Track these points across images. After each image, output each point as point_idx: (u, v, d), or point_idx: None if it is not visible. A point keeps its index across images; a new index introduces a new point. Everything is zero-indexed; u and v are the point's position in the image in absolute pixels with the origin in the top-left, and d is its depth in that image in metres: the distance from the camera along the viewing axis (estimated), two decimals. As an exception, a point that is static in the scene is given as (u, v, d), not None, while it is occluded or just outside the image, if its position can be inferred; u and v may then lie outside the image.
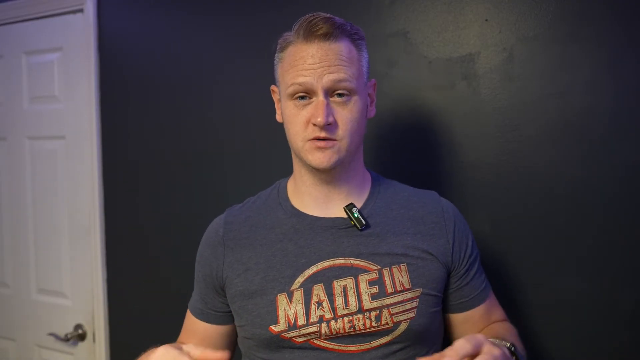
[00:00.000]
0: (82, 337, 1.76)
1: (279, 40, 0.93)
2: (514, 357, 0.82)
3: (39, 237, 1.85)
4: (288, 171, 1.04)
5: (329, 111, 0.86)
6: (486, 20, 1.17)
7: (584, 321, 1.12)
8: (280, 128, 1.37)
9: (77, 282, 1.78)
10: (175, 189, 1.57)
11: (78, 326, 1.77)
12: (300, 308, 0.88)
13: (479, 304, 0.97)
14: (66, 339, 1.75)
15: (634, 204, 1.07)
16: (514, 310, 1.17)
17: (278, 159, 1.38)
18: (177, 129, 1.56)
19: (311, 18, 0.87)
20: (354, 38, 0.90)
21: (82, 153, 1.72)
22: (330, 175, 0.93)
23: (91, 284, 1.74)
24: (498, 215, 1.18)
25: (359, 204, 0.95)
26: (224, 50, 1.46)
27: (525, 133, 1.14)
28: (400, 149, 1.26)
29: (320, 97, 0.86)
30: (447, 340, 1.02)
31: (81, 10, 1.69)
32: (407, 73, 1.24)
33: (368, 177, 1.00)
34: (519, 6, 1.14)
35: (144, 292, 1.65)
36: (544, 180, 1.13)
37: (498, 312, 1.01)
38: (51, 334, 1.79)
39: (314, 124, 0.86)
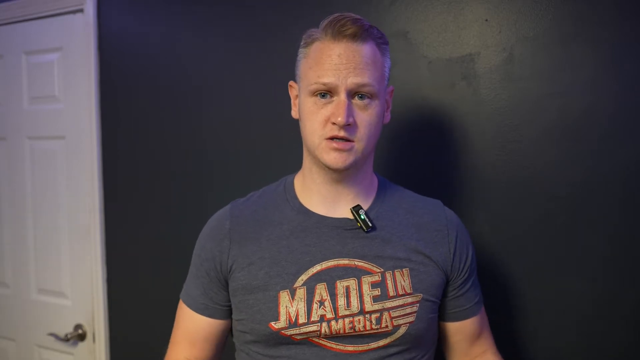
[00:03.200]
0: (82, 337, 1.76)
1: (304, 36, 0.92)
2: None
3: (39, 237, 1.85)
4: (289, 171, 1.04)
5: (349, 111, 0.85)
6: (486, 20, 1.17)
7: (584, 322, 1.12)
8: (282, 128, 1.37)
9: (77, 282, 1.78)
10: (176, 188, 1.57)
11: (78, 326, 1.77)
12: (302, 306, 0.88)
13: (472, 316, 0.98)
14: (66, 339, 1.75)
15: (634, 204, 1.07)
16: (513, 311, 1.17)
17: (280, 159, 1.38)
18: (177, 128, 1.56)
19: (340, 17, 0.87)
20: (379, 42, 0.90)
21: (82, 153, 1.72)
22: (341, 175, 0.93)
23: (91, 284, 1.74)
24: (498, 215, 1.18)
25: (365, 206, 0.95)
26: (225, 50, 1.46)
27: (525, 133, 1.14)
28: (400, 148, 1.26)
29: (342, 97, 0.86)
30: (437, 349, 1.02)
31: (81, 10, 1.69)
32: (407, 73, 1.24)
33: (375, 180, 1.00)
34: (519, 6, 1.14)
35: (144, 292, 1.65)
36: (543, 180, 1.13)
37: (487, 333, 1.03)
38: (51, 334, 1.79)
39: (334, 123, 0.86)
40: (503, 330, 1.11)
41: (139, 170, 1.64)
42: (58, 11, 1.73)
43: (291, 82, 0.98)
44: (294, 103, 0.97)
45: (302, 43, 0.93)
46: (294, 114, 0.97)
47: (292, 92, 0.98)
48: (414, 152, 1.25)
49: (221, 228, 0.97)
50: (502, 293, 1.16)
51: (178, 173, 1.57)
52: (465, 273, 0.96)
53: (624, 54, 1.06)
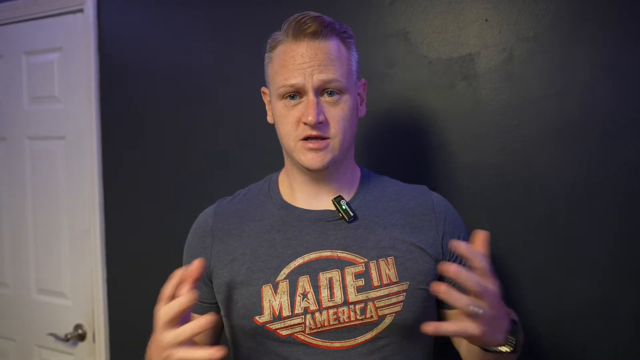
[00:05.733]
0: (82, 337, 1.76)
1: (269, 41, 0.93)
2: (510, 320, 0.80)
3: (39, 237, 1.85)
4: (288, 171, 1.04)
5: (319, 110, 0.86)
6: (486, 20, 1.17)
7: (584, 321, 1.12)
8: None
9: (77, 282, 1.78)
10: (175, 188, 1.57)
11: (78, 326, 1.77)
12: (285, 299, 0.88)
13: None
14: (66, 339, 1.75)
15: (634, 204, 1.07)
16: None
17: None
18: (177, 128, 1.56)
19: (300, 17, 0.88)
20: (343, 37, 0.90)
21: (82, 153, 1.73)
22: (321, 175, 0.93)
23: (91, 284, 1.74)
24: (498, 215, 1.18)
25: (348, 198, 0.95)
26: (224, 50, 1.46)
27: (525, 133, 1.14)
28: (400, 149, 1.26)
29: (311, 96, 0.86)
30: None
31: (81, 10, 1.69)
32: (407, 73, 1.24)
33: (358, 172, 1.00)
34: (519, 6, 1.14)
35: (144, 292, 1.65)
36: (543, 180, 1.14)
37: None
38: (51, 334, 1.79)
39: (305, 123, 0.86)
40: (503, 330, 1.11)
41: (139, 170, 1.64)
42: (58, 11, 1.73)
43: (263, 88, 0.98)
44: (268, 108, 0.98)
45: (267, 48, 0.93)
46: (270, 119, 0.97)
47: (265, 98, 0.98)
48: (413, 152, 1.25)
49: (204, 225, 0.99)
50: (501, 293, 1.16)
51: (178, 173, 1.57)
52: (457, 255, 0.93)
53: (624, 54, 1.06)
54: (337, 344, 0.87)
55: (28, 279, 1.88)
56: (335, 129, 0.88)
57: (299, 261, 0.90)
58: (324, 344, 0.87)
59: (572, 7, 1.10)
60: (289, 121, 0.88)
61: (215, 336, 1.03)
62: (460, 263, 0.94)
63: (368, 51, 1.25)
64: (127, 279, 1.69)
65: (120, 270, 1.70)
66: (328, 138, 0.88)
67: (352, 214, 0.92)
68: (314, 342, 0.88)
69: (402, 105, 1.25)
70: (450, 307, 0.96)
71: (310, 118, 0.85)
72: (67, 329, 1.79)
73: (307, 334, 0.87)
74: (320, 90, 0.87)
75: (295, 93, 0.87)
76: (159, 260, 1.62)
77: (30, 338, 1.88)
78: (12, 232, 1.91)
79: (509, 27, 1.15)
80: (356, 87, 0.93)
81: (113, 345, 1.72)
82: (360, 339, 0.87)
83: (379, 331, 0.87)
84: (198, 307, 0.99)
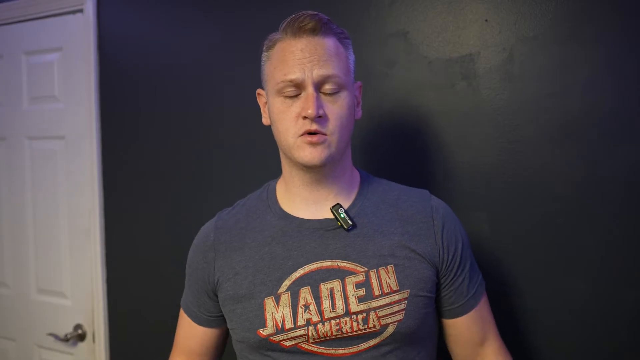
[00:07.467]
0: (81, 337, 1.76)
1: (265, 42, 0.93)
2: None
3: (39, 237, 1.85)
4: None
5: (319, 103, 0.85)
6: (486, 20, 1.17)
7: (584, 321, 1.12)
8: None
9: (77, 282, 1.78)
10: (175, 189, 1.57)
11: (78, 326, 1.77)
12: (287, 311, 0.88)
13: (467, 312, 0.95)
14: (66, 339, 1.75)
15: (634, 204, 1.07)
16: (512, 311, 1.17)
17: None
18: (177, 128, 1.56)
19: (298, 15, 0.88)
20: (340, 37, 0.91)
21: (82, 153, 1.73)
22: (320, 174, 0.92)
23: (91, 284, 1.74)
24: (498, 215, 1.18)
25: (347, 204, 0.94)
26: (225, 51, 1.46)
27: (525, 133, 1.14)
28: (400, 149, 1.26)
29: (310, 90, 0.86)
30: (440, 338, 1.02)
31: (81, 11, 1.69)
32: (407, 73, 1.24)
33: (357, 176, 0.99)
34: (519, 6, 1.14)
35: (144, 292, 1.65)
36: (543, 180, 1.13)
37: (488, 325, 0.98)
38: (51, 334, 1.79)
39: (305, 117, 0.85)
40: (502, 330, 1.11)
41: (139, 171, 1.64)
42: (58, 11, 1.73)
43: (259, 90, 0.98)
44: (263, 110, 0.97)
45: (264, 48, 0.93)
46: (265, 121, 0.97)
47: (261, 100, 0.98)
48: (413, 152, 1.25)
49: (206, 240, 0.99)
50: (501, 293, 1.16)
51: (178, 173, 1.57)
52: (456, 265, 0.93)
53: (624, 54, 1.06)
54: (340, 351, 0.87)
55: (28, 279, 1.88)
56: (333, 126, 0.87)
57: (300, 272, 0.90)
58: (328, 351, 0.87)
59: (572, 7, 1.10)
60: (287, 117, 0.88)
61: (221, 345, 1.04)
62: (457, 271, 0.94)
63: (368, 51, 1.25)
64: (127, 279, 1.69)
65: (120, 270, 1.70)
66: (326, 134, 0.87)
67: (350, 223, 0.91)
68: (318, 350, 0.87)
69: (402, 105, 1.25)
70: (450, 316, 0.96)
71: (310, 111, 0.84)
72: (67, 329, 1.79)
73: (311, 343, 0.87)
74: (320, 86, 0.87)
75: (294, 89, 0.87)
76: (159, 260, 1.62)
77: (30, 338, 1.88)
78: (12, 232, 1.91)
79: (509, 27, 1.15)
80: (353, 88, 0.93)
81: (113, 345, 1.72)
82: (364, 346, 0.87)
83: (382, 339, 0.87)
84: (205, 320, 0.99)
